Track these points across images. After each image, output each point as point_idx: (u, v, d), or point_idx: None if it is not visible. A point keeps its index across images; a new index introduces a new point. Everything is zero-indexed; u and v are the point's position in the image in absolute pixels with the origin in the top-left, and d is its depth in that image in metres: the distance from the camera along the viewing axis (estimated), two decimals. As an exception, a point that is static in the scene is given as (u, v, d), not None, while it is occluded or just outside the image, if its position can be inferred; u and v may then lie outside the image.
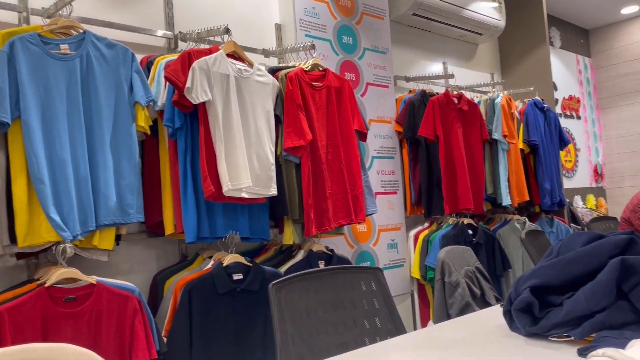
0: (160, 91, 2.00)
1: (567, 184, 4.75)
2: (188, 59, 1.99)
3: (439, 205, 3.17)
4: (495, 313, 1.39)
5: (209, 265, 2.01)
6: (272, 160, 2.17)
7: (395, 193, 3.20)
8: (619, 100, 5.10)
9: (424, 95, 3.29)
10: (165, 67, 2.00)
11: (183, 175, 1.96)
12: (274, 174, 2.16)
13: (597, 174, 5.13)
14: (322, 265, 2.31)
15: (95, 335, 1.67)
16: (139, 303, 1.71)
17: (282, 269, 2.20)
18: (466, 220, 3.19)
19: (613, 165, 5.17)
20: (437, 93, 3.32)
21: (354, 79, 3.01)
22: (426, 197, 3.18)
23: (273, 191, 2.15)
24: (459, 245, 2.77)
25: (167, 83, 1.97)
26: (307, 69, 2.42)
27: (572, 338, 1.08)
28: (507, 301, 1.25)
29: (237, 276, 2.01)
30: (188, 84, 1.92)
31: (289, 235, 2.29)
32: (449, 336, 1.29)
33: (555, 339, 1.11)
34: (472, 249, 3.11)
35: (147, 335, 1.70)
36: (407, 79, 3.47)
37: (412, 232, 3.24)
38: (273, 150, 2.19)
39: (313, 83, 2.41)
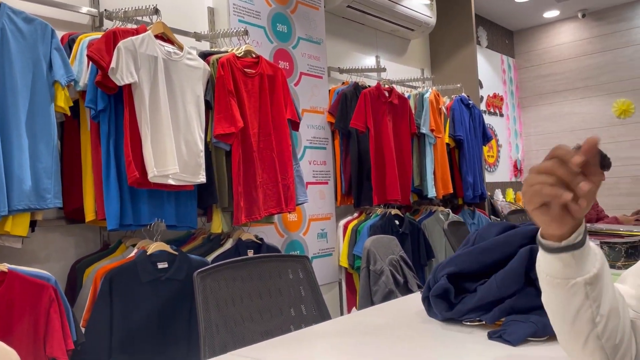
0: (82, 71, 1.91)
1: (489, 178, 4.99)
2: (113, 38, 1.90)
3: (368, 196, 3.23)
4: (415, 300, 1.44)
5: (132, 254, 1.95)
6: (202, 146, 2.13)
7: (327, 183, 3.23)
8: (538, 99, 5.40)
9: (357, 88, 3.33)
10: (89, 45, 1.90)
11: (106, 159, 1.88)
12: (203, 160, 2.12)
13: (517, 169, 5.42)
14: (251, 254, 2.30)
15: (7, 325, 1.57)
16: (54, 292, 1.63)
17: (210, 258, 2.17)
18: (393, 211, 3.28)
19: (531, 161, 5.49)
20: (369, 86, 3.37)
21: (287, 68, 3.00)
22: (356, 187, 3.23)
23: (202, 178, 2.11)
24: (386, 235, 2.85)
25: (90, 63, 1.88)
26: (239, 55, 2.38)
27: (484, 322, 1.15)
28: (425, 288, 1.30)
29: (162, 265, 1.96)
30: (113, 65, 1.84)
31: (218, 224, 2.26)
32: (371, 322, 1.33)
33: (468, 323, 1.17)
34: (398, 239, 3.20)
35: (64, 325, 1.63)
36: (341, 71, 3.50)
37: (342, 222, 3.29)
38: (202, 136, 2.15)
39: (245, 70, 2.38)
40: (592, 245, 0.76)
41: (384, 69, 3.59)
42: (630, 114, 4.78)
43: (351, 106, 3.24)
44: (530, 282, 1.17)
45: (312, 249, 3.07)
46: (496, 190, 5.00)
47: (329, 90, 3.32)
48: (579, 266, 0.72)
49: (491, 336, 1.07)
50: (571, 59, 5.19)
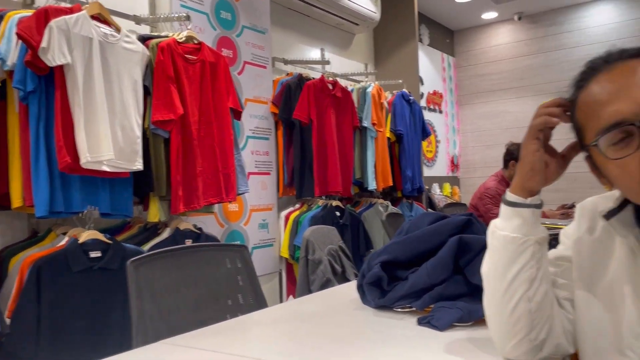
0: (10, 50, 1.81)
1: (427, 172, 5.13)
2: (45, 16, 1.81)
3: (310, 187, 3.25)
4: (351, 288, 1.47)
5: (63, 242, 1.88)
6: (139, 133, 2.07)
7: (269, 174, 3.23)
8: (475, 98, 5.61)
9: (301, 79, 3.34)
10: (18, 23, 1.80)
11: (35, 143, 1.79)
12: (139, 147, 2.07)
13: (454, 164, 5.62)
14: (189, 243, 2.27)
15: None
16: (-24, 282, 1.55)
17: (146, 247, 2.13)
18: (334, 203, 3.32)
19: (467, 157, 5.70)
20: (313, 78, 3.39)
21: (231, 56, 2.97)
22: (298, 178, 3.25)
23: (138, 165, 2.06)
24: (326, 225, 2.87)
25: (20, 41, 1.78)
26: (180, 41, 2.33)
27: (414, 308, 1.19)
28: (360, 276, 1.33)
29: (95, 254, 1.90)
30: (44, 44, 1.76)
31: (155, 213, 2.22)
32: (306, 309, 1.35)
33: (399, 309, 1.21)
34: (338, 230, 3.24)
35: (-14, 316, 1.55)
36: (286, 62, 3.49)
37: (284, 213, 3.30)
38: (140, 122, 2.09)
39: (186, 56, 2.33)
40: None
41: (328, 62, 3.61)
42: (559, 115, 5.06)
43: (295, 97, 3.24)
44: (458, 270, 1.22)
45: (253, 239, 3.07)
46: (434, 184, 5.16)
47: (273, 81, 3.31)
48: (534, 226, 0.84)
49: (420, 322, 1.12)
50: (507, 59, 5.41)
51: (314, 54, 3.85)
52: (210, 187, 2.39)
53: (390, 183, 3.82)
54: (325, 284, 1.86)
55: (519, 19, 5.24)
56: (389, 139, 3.89)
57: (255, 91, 3.15)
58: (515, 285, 0.84)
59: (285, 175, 3.27)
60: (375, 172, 3.69)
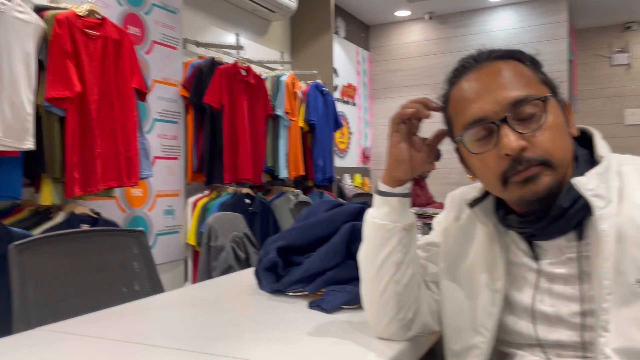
0: None
1: (339, 162, 5.24)
2: None
3: (219, 174, 3.21)
4: (249, 274, 1.48)
5: (-62, 225, 1.72)
6: (30, 110, 1.94)
7: (177, 159, 3.14)
8: (387, 92, 5.78)
9: (213, 63, 3.27)
10: None
11: None
12: (31, 125, 1.94)
13: (365, 156, 5.77)
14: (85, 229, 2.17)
15: None
16: None
17: (36, 232, 2.00)
18: (245, 190, 3.31)
19: (378, 150, 5.88)
20: (226, 63, 3.33)
21: (138, 34, 2.85)
22: (208, 165, 3.19)
23: (29, 144, 1.93)
24: (232, 212, 2.85)
25: None
26: (81, 15, 2.20)
27: (307, 293, 1.22)
28: (257, 261, 1.34)
29: (-24, 238, 1.76)
30: None
31: (47, 195, 2.09)
32: (201, 295, 1.34)
33: (292, 293, 1.24)
34: (248, 218, 3.23)
35: None
36: (198, 44, 3.40)
37: (191, 199, 3.23)
38: (32, 99, 1.96)
39: (87, 31, 2.20)
40: (414, 215, 0.93)
41: (242, 47, 3.57)
42: (463, 112, 5.35)
43: (206, 81, 3.17)
44: (351, 255, 1.27)
45: (158, 225, 2.98)
46: (345, 174, 5.27)
47: (184, 63, 3.22)
48: (400, 214, 0.89)
49: (310, 305, 1.15)
50: (418, 57, 5.63)
51: (229, 38, 3.78)
52: (110, 170, 2.29)
53: (302, 172, 3.86)
54: (227, 271, 1.86)
55: (430, 18, 5.47)
56: (301, 128, 3.92)
57: (164, 73, 3.04)
58: (384, 269, 0.89)
59: (195, 161, 3.20)
60: (287, 160, 3.71)
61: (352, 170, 5.47)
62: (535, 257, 0.84)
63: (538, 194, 0.78)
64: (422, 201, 3.77)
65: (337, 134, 5.12)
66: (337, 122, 4.29)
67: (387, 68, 5.81)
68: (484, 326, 0.87)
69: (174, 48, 3.12)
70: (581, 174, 0.79)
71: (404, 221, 0.89)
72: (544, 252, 0.84)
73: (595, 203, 0.76)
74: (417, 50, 5.64)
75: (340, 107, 5.19)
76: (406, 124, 0.88)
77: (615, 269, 0.75)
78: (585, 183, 0.77)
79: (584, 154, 0.85)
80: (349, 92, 5.43)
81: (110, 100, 2.30)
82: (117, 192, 2.61)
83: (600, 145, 0.84)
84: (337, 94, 5.16)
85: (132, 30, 2.79)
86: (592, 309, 0.78)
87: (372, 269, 0.91)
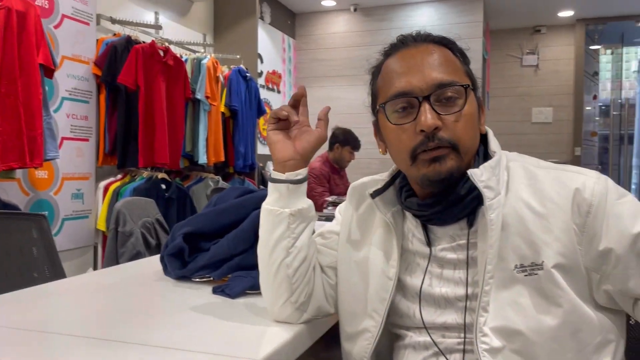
0: None
1: (263, 150, 5.21)
2: None
3: (134, 158, 3.10)
4: (156, 260, 1.45)
5: None
6: None
7: (87, 140, 3.00)
8: (313, 81, 5.81)
9: (129, 42, 3.14)
10: None
11: None
12: None
13: (289, 144, 5.78)
14: (-20, 211, 2.02)
15: None
16: None
17: None
18: (161, 175, 3.21)
19: (302, 138, 5.91)
20: (143, 42, 3.21)
21: (46, 7, 2.67)
22: (121, 147, 3.07)
23: None
24: (144, 198, 2.76)
25: None
26: (-22, -19, 2.03)
27: (212, 278, 1.21)
28: (163, 247, 1.32)
29: None
30: None
31: (-64, 175, 1.93)
32: (105, 281, 1.30)
33: (198, 279, 1.23)
34: (163, 204, 3.15)
35: None
36: (113, 21, 3.24)
37: (103, 183, 3.10)
38: None
39: (-15, -1, 2.04)
40: (308, 199, 0.94)
41: (160, 27, 3.45)
42: (384, 104, 5.48)
43: (121, 60, 3.04)
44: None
45: (65, 210, 2.83)
46: (268, 162, 5.26)
47: (97, 40, 3.07)
48: (289, 200, 0.90)
49: (215, 291, 1.15)
50: (343, 47, 5.69)
51: (147, 17, 3.63)
52: (11, 151, 2.15)
53: (222, 158, 3.81)
54: (135, 257, 1.81)
55: (355, 10, 5.54)
56: (223, 113, 3.85)
57: (75, 49, 2.88)
58: (275, 253, 0.91)
59: (107, 143, 3.07)
60: (207, 146, 3.64)
61: (274, 158, 5.45)
62: (430, 244, 0.89)
63: (441, 174, 0.83)
64: (341, 190, 3.85)
65: (261, 121, 5.09)
66: (260, 109, 4.26)
67: (313, 57, 5.83)
68: (376, 311, 0.91)
69: (86, 23, 2.96)
70: (477, 167, 0.84)
71: (292, 207, 0.90)
72: (438, 239, 0.89)
73: (486, 194, 0.81)
74: (342, 41, 5.70)
75: (264, 94, 5.15)
76: (280, 120, 0.94)
77: (498, 256, 0.81)
78: (479, 175, 0.82)
79: (481, 149, 0.91)
80: (274, 79, 5.40)
81: (12, 76, 2.15)
82: (18, 173, 2.46)
83: (493, 142, 0.91)
84: (261, 81, 5.12)
85: (39, 2, 2.61)
86: (476, 293, 0.83)
87: (265, 253, 0.93)
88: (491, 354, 0.80)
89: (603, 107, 8.44)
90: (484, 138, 0.92)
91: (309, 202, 0.94)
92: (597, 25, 6.10)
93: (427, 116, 0.81)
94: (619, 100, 6.77)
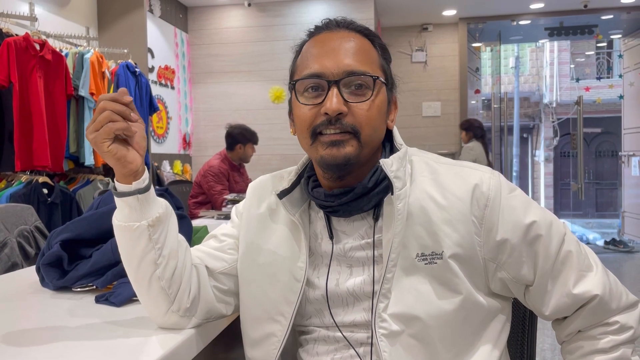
0: None
1: (158, 149, 5.00)
2: None
3: (9, 161, 2.84)
4: (32, 271, 1.33)
5: None
6: None
7: (-48, 143, 2.69)
8: (208, 77, 5.67)
9: (0, 35, 2.86)
10: None
11: None
12: None
13: (186, 142, 5.60)
14: None
15: None
16: None
17: None
18: (41, 179, 2.97)
19: (199, 136, 5.75)
20: (16, 35, 2.93)
21: None
22: (-6, 150, 2.80)
23: None
24: (30, 205, 2.54)
25: None
26: None
27: (95, 287, 1.14)
28: (39, 256, 1.21)
29: None
30: None
31: None
32: (-32, 299, 1.17)
33: (79, 289, 1.14)
34: (46, 209, 2.92)
35: None
36: (-21, 11, 2.94)
37: (-27, 190, 2.80)
38: None
39: None
40: (160, 199, 0.88)
41: (35, 19, 3.17)
42: (282, 100, 5.48)
43: (-10, 55, 2.76)
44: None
45: None
46: (164, 161, 5.07)
47: (-41, 32, 2.76)
48: (143, 210, 0.83)
49: (98, 300, 1.07)
50: (238, 43, 5.61)
51: (21, 8, 3.33)
52: None
53: (112, 158, 3.59)
54: (11, 269, 1.65)
55: (249, 5, 5.48)
56: (111, 111, 3.63)
57: None
58: (143, 269, 0.85)
59: (-24, 146, 2.77)
60: (93, 146, 3.41)
61: (171, 157, 5.27)
62: (337, 242, 0.89)
63: (337, 159, 0.83)
64: (242, 187, 3.79)
65: (154, 119, 4.88)
66: (152, 106, 4.07)
67: (208, 52, 5.69)
68: (282, 314, 0.89)
69: (-55, 12, 2.64)
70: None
71: (148, 217, 0.83)
72: (345, 235, 0.89)
73: (395, 184, 0.83)
74: (237, 36, 5.62)
75: (157, 90, 4.95)
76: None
77: (402, 244, 0.83)
78: (390, 165, 0.84)
79: (388, 144, 0.93)
80: (167, 74, 5.20)
81: None
82: None
83: (398, 136, 0.93)
84: (153, 76, 4.91)
85: None
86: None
87: (132, 270, 0.87)
88: (389, 339, 0.82)
89: (485, 101, 9.11)
90: (390, 134, 0.93)
91: (163, 202, 0.87)
92: (477, 24, 6.55)
93: (333, 100, 0.82)
94: (499, 95, 7.33)
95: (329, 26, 0.90)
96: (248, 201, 1.01)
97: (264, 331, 0.91)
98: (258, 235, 0.95)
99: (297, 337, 0.98)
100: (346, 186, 0.86)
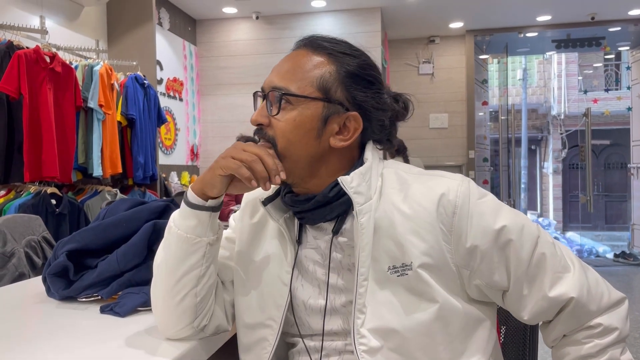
0: None
1: (166, 160, 5.03)
2: None
3: (19, 172, 2.86)
4: (38, 281, 1.34)
5: None
6: None
7: (-37, 154, 2.72)
8: (216, 89, 5.71)
9: (11, 47, 2.90)
10: None
11: None
12: None
13: (194, 153, 5.63)
14: None
15: None
16: None
17: None
18: (50, 190, 2.99)
19: (207, 147, 5.78)
20: (27, 47, 2.98)
21: None
22: (4, 161, 2.83)
23: None
24: (38, 215, 2.56)
25: None
26: None
27: (100, 297, 1.14)
28: (46, 266, 1.22)
29: None
30: None
31: None
32: (-25, 309, 1.17)
33: (84, 299, 1.15)
34: (55, 220, 2.94)
35: None
36: (-8, 25, 2.99)
37: (-17, 201, 2.83)
38: None
39: None
40: (217, 220, 0.90)
41: (46, 31, 3.22)
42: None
43: (2, 67, 2.80)
44: (153, 255, 1.22)
45: (-63, 232, 2.54)
46: (172, 172, 5.09)
47: (-28, 45, 2.80)
48: (208, 228, 0.86)
49: (103, 310, 1.08)
50: (246, 55, 5.65)
51: (32, 21, 3.38)
52: None
53: (120, 170, 3.62)
54: (18, 279, 1.65)
55: (257, 18, 5.53)
56: (119, 123, 3.67)
57: (-55, 54, 2.61)
58: (184, 282, 0.87)
59: (-14, 157, 2.80)
60: (101, 157, 3.44)
61: (179, 168, 5.29)
62: (299, 242, 0.91)
63: None
64: (232, 199, 3.80)
65: (162, 130, 4.91)
66: (160, 117, 4.10)
67: (216, 64, 5.73)
68: (273, 318, 0.90)
69: (-42, 26, 2.69)
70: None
71: (210, 235, 0.87)
72: (316, 241, 0.90)
73: (356, 199, 0.83)
74: (246, 48, 5.67)
75: (165, 102, 4.98)
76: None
77: (372, 257, 0.83)
78: (349, 181, 0.84)
79: (359, 160, 0.91)
80: (176, 86, 5.24)
81: None
82: None
83: (368, 151, 0.90)
84: (162, 88, 4.95)
85: None
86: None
87: (171, 280, 0.87)
88: (369, 354, 0.82)
89: (493, 113, 9.09)
90: (363, 148, 0.92)
91: (221, 224, 0.91)
92: (484, 36, 6.56)
93: (255, 112, 0.88)
94: (506, 106, 7.32)
95: (297, 44, 0.93)
96: (241, 212, 1.03)
97: (256, 336, 0.92)
98: (250, 243, 0.97)
99: (287, 350, 0.99)
100: (310, 194, 0.88)
